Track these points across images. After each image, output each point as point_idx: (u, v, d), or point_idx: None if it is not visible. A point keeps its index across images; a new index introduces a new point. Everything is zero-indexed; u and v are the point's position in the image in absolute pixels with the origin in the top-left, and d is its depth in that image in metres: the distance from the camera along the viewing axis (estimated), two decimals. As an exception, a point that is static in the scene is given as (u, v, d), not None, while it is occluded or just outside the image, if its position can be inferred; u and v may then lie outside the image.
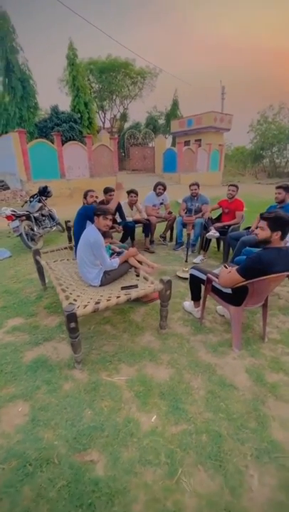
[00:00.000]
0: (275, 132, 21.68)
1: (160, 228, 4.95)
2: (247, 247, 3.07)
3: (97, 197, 3.29)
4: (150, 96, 21.71)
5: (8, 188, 11.17)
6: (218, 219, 4.25)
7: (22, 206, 5.29)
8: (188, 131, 18.67)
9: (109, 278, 2.41)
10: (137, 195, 4.36)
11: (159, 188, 4.52)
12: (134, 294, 2.04)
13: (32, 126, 11.03)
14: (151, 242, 4.72)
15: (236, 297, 1.99)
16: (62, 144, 10.80)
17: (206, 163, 17.29)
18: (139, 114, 22.91)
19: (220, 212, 4.29)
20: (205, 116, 17.12)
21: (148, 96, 21.58)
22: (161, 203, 4.73)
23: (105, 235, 2.53)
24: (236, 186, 3.99)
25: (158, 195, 4.57)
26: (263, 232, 1.80)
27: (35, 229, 4.65)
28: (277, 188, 3.43)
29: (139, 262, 2.65)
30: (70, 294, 2.16)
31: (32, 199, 5.30)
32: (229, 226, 3.89)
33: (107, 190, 3.98)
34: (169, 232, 4.95)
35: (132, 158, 17.17)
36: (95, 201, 3.24)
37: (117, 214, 4.21)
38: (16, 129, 9.83)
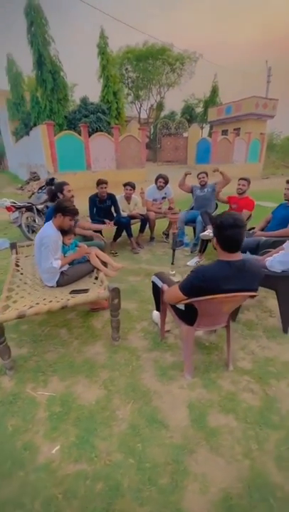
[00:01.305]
0: None
1: (163, 224, 4.62)
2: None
3: (69, 191, 3.02)
4: (188, 83, 20.62)
5: (39, 179, 11.68)
6: (222, 217, 3.77)
7: (29, 197, 5.39)
8: (227, 119, 17.38)
9: (66, 279, 2.23)
10: (134, 188, 4.07)
11: (160, 181, 4.15)
12: (72, 300, 1.82)
13: (61, 118, 11.22)
14: (152, 239, 4.44)
15: (189, 315, 1.65)
16: (90, 136, 10.83)
17: (244, 153, 16.01)
18: (177, 103, 21.92)
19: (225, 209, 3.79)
20: (245, 102, 15.70)
21: (186, 83, 20.53)
22: (164, 198, 4.37)
23: (67, 231, 2.34)
24: (247, 180, 3.47)
25: (159, 188, 4.21)
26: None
27: (36, 220, 4.68)
28: (287, 182, 2.87)
29: (104, 262, 2.42)
30: (16, 293, 2.02)
31: (40, 191, 5.36)
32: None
33: (100, 182, 3.78)
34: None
35: (164, 149, 16.63)
36: (72, 196, 3.01)
37: (113, 208, 4.00)
38: (45, 121, 10.09)
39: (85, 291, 2.02)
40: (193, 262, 3.54)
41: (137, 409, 1.54)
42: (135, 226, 4.24)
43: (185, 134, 16.98)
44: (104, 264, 2.42)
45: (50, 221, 2.22)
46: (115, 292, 1.86)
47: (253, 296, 1.52)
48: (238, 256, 1.44)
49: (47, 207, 5.16)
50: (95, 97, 12.52)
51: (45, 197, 5.17)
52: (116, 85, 12.25)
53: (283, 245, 2.31)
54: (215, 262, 1.46)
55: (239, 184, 3.48)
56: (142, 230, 4.21)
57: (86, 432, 1.41)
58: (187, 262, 3.56)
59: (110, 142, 11.34)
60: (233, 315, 2.31)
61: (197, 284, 1.42)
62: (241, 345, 2.04)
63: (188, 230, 4.36)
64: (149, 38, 18.73)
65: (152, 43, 17.96)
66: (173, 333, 2.21)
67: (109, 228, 3.76)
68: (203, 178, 4.07)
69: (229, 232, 1.35)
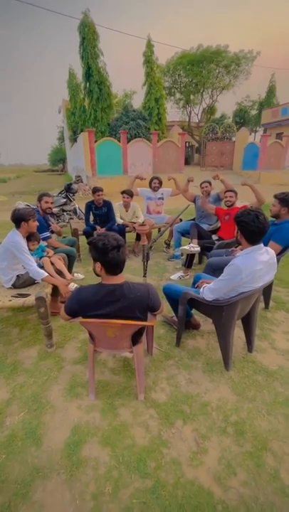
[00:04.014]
0: None
1: (166, 232, 4.50)
2: (200, 273, 2.40)
3: (52, 203, 3.13)
4: (243, 85, 19.48)
5: (82, 182, 12.55)
6: (216, 231, 3.50)
7: (49, 201, 5.83)
8: (283, 121, 15.93)
9: (22, 282, 2.36)
10: (131, 196, 4.07)
11: (154, 182, 4.15)
12: (1, 303, 1.94)
13: (104, 125, 11.87)
14: (149, 247, 4.36)
15: (91, 334, 1.60)
16: (128, 141, 11.20)
17: (299, 159, 14.45)
18: (230, 106, 20.95)
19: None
20: (305, 101, 14.14)
21: (241, 85, 19.44)
22: (161, 198, 4.28)
23: (30, 238, 2.48)
24: (235, 192, 3.16)
25: (154, 189, 4.16)
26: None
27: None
28: (274, 197, 2.52)
29: (59, 270, 2.50)
30: None
31: (60, 195, 5.77)
32: (221, 240, 3.15)
33: (95, 190, 3.89)
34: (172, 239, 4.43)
35: (208, 154, 16.06)
36: (50, 208, 3.10)
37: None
38: (88, 128, 10.81)
39: (25, 295, 2.12)
40: (176, 276, 3.37)
41: (25, 419, 1.56)
42: (132, 234, 4.24)
43: (233, 139, 16.12)
44: (60, 273, 2.49)
45: (15, 229, 2.36)
46: (40, 301, 1.91)
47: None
48: (120, 279, 1.34)
49: (63, 210, 5.56)
50: (138, 104, 12.88)
51: (62, 201, 5.57)
52: (158, 92, 12.39)
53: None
54: (95, 285, 1.39)
55: (226, 196, 3.19)
56: (138, 237, 4.18)
57: None
58: (171, 276, 3.41)
59: (148, 148, 11.52)
60: (177, 340, 2.15)
61: (72, 306, 1.37)
62: (169, 375, 1.87)
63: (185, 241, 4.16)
64: (203, 41, 18.38)
65: (207, 45, 17.56)
66: (110, 349, 2.15)
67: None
68: (206, 187, 3.84)
69: (113, 255, 1.27)
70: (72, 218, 5.52)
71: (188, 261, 3.35)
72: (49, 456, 1.37)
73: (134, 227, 4.03)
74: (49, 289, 2.18)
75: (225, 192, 3.27)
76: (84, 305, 1.34)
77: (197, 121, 22.66)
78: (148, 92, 12.31)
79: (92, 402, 1.66)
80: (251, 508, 1.15)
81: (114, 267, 1.31)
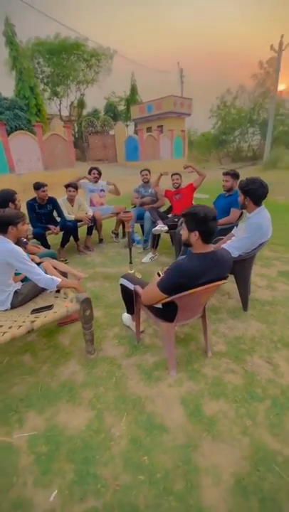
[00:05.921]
0: (235, 116, 21.76)
1: (111, 224, 4.54)
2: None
3: (19, 201, 2.65)
4: (107, 81, 20.53)
5: None
6: (168, 211, 3.91)
7: None
8: (149, 117, 18.06)
9: (22, 298, 1.95)
10: (77, 189, 3.84)
11: (94, 172, 4.16)
12: (38, 321, 1.60)
13: None
14: (100, 240, 4.28)
15: (167, 312, 1.64)
16: (8, 135, 9.74)
17: (169, 149, 16.95)
18: (98, 101, 21.61)
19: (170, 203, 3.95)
20: (164, 100, 16.59)
21: (105, 81, 20.38)
22: (102, 190, 4.30)
23: (17, 244, 2.03)
24: (180, 174, 3.67)
25: (94, 180, 4.17)
26: (184, 231, 1.46)
27: None
28: (225, 174, 3.13)
29: (64, 272, 2.21)
30: None
31: None
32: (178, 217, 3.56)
33: (39, 186, 3.44)
34: (121, 228, 4.53)
35: (93, 148, 16.25)
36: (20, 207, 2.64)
37: (55, 212, 3.70)
38: None
39: (49, 307, 1.80)
40: (147, 258, 3.57)
41: (132, 420, 1.46)
42: (81, 229, 4.03)
43: (112, 132, 16.92)
44: (64, 274, 2.21)
45: (3, 237, 1.86)
46: (86, 303, 1.71)
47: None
48: (211, 247, 1.49)
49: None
50: (7, 92, 11.29)
51: None
52: (31, 80, 11.27)
53: (232, 232, 2.52)
54: (191, 256, 1.48)
55: (173, 179, 3.67)
56: (89, 232, 4.02)
57: (85, 463, 1.27)
58: (143, 259, 3.57)
59: (33, 141, 10.45)
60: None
61: (178, 281, 1.42)
62: (212, 330, 2.15)
63: (136, 227, 4.38)
64: (60, 30, 17.90)
65: (64, 36, 17.14)
66: (147, 333, 2.18)
67: (54, 234, 3.48)
68: (146, 174, 4.22)
69: (212, 224, 1.38)
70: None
71: (156, 242, 3.61)
72: (183, 432, 1.40)
73: (118, 215, 3.94)
74: (71, 293, 1.94)
75: (172, 176, 3.69)
76: (191, 276, 1.39)
77: (68, 114, 22.08)
78: (19, 79, 10.87)
79: (176, 376, 1.73)
80: None
81: (210, 235, 1.42)
